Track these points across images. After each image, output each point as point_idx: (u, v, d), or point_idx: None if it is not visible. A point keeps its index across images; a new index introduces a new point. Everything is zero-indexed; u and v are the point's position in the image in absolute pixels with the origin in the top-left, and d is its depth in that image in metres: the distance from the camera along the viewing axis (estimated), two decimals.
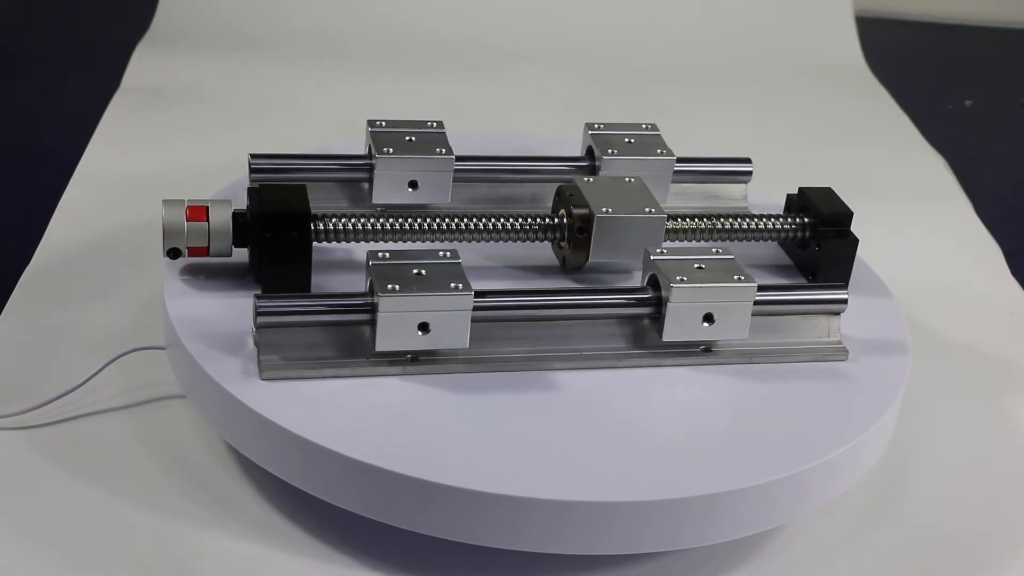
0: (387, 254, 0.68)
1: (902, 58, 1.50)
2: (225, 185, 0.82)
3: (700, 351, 0.70)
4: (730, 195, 0.87)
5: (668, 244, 0.75)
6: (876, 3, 1.56)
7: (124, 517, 0.67)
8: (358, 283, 0.70)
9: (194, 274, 0.73)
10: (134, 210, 0.96)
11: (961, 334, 0.91)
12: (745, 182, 0.87)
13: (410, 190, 0.81)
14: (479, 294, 0.67)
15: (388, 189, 0.81)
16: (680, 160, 0.84)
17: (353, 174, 0.81)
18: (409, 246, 0.74)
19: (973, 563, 0.70)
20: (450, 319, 0.66)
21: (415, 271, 0.67)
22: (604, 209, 0.75)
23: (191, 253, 0.72)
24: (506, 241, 0.77)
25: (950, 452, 0.79)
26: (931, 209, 1.12)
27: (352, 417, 0.64)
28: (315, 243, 0.72)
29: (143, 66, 1.24)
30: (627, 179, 0.79)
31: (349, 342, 0.67)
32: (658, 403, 0.68)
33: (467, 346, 0.67)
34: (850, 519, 0.72)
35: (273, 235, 0.71)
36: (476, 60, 1.33)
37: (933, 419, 0.81)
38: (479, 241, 0.76)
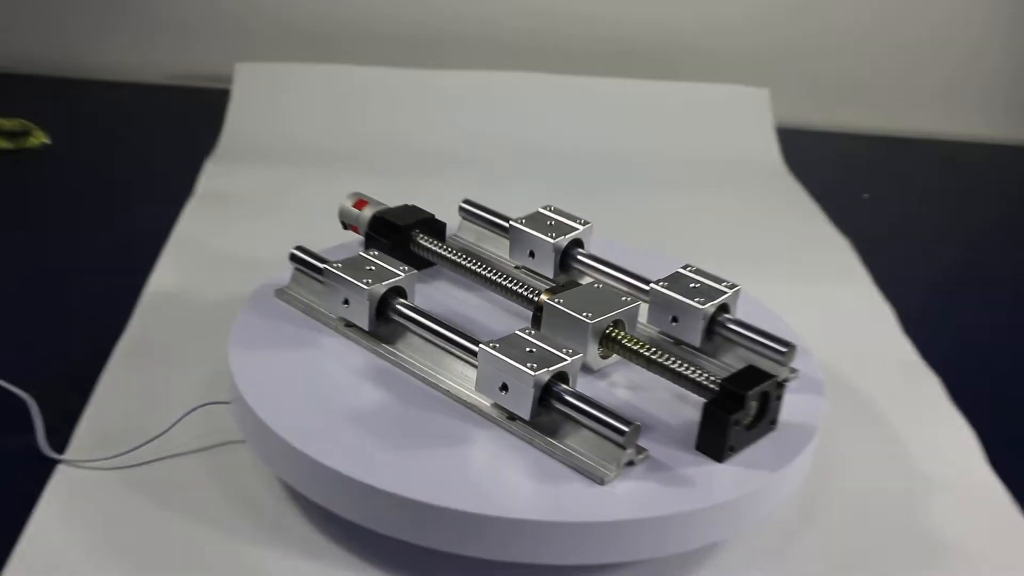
0: (377, 253, 0.77)
1: (811, 160, 1.51)
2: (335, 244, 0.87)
3: (507, 417, 0.67)
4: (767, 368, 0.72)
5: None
6: (792, 117, 1.58)
7: (198, 540, 0.69)
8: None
9: (255, 339, 0.74)
10: (208, 291, 0.96)
11: (866, 382, 0.92)
12: (782, 363, 0.72)
13: (531, 258, 0.85)
14: (403, 304, 0.72)
15: (517, 251, 0.86)
16: (721, 316, 0.74)
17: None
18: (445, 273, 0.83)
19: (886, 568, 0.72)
20: (356, 303, 0.73)
21: (368, 267, 0.74)
22: (557, 300, 0.73)
23: (352, 230, 0.87)
24: (498, 293, 0.80)
25: (861, 477, 0.81)
26: (836, 279, 1.13)
27: (393, 450, 0.65)
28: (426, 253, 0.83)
29: (212, 177, 1.25)
30: (624, 298, 0.73)
31: (332, 304, 0.76)
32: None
33: (367, 328, 0.73)
34: (780, 532, 0.73)
35: (371, 232, 0.85)
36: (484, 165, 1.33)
37: (846, 450, 0.83)
38: (483, 286, 0.81)
